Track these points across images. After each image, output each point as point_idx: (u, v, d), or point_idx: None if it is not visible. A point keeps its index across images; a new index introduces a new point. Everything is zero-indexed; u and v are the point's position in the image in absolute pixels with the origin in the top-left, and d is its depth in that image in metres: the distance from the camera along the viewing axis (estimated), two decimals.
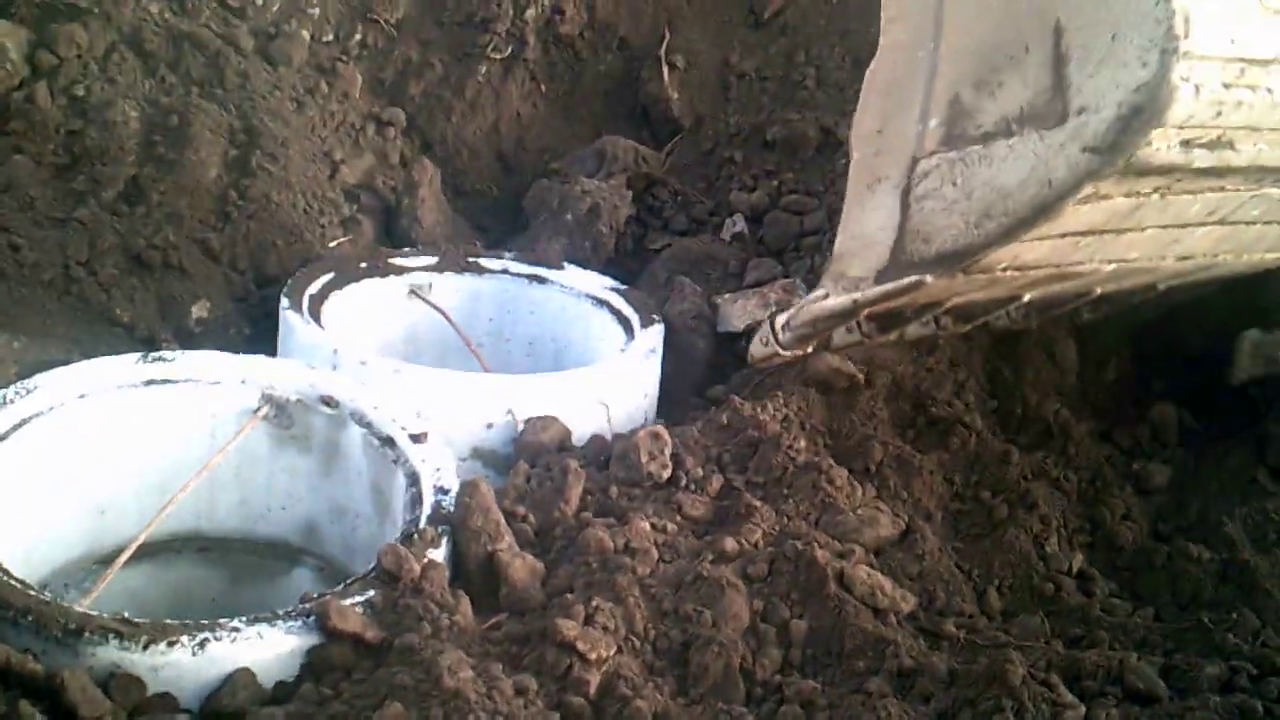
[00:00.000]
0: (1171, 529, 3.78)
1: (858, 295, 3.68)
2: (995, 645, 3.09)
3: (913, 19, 3.51)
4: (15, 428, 3.43)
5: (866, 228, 3.69)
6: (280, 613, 2.93)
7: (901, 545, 3.51)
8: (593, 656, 2.83)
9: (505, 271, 4.96)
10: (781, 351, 3.98)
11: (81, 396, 3.60)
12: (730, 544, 3.30)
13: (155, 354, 3.80)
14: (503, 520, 3.31)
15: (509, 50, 5.89)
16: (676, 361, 4.53)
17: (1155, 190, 3.34)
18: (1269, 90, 3.19)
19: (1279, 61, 3.19)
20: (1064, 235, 3.41)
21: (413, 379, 3.97)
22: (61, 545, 3.65)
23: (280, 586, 3.93)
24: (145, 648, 2.75)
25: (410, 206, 5.34)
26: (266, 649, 2.84)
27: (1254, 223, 3.66)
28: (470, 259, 4.99)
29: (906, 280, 3.58)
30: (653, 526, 3.37)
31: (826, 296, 3.77)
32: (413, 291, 4.82)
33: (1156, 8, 2.97)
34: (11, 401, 3.47)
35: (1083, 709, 2.86)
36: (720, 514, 3.53)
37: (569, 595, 3.07)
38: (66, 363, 3.70)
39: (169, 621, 2.84)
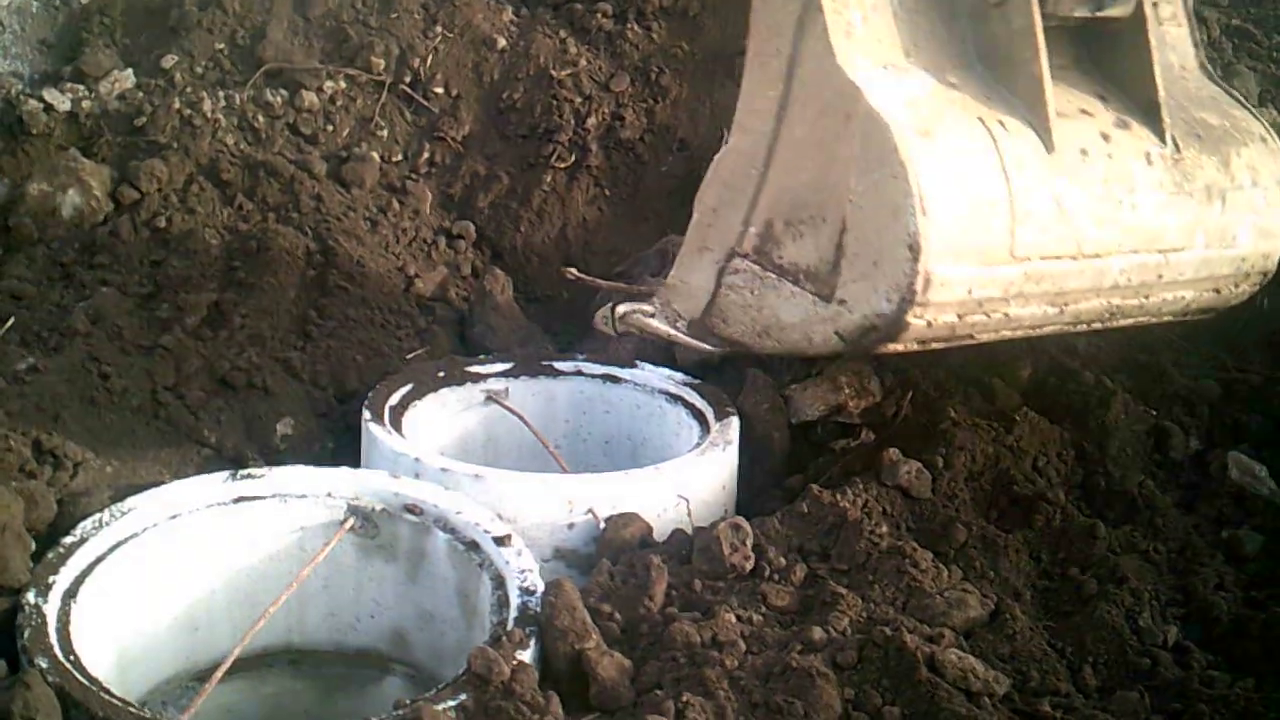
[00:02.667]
0: (1266, 595, 3.70)
1: (675, 331, 4.21)
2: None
3: (753, 134, 3.82)
4: (112, 549, 3.53)
5: (691, 280, 4.14)
6: (374, 719, 2.96)
7: (991, 626, 3.47)
8: None
9: (579, 373, 5.03)
10: (613, 334, 4.55)
11: (173, 516, 3.70)
12: (818, 633, 3.29)
13: (243, 471, 3.89)
14: (589, 619, 3.32)
15: (572, 158, 6.03)
16: (753, 453, 4.54)
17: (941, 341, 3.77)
18: (1005, 315, 3.74)
19: (1019, 295, 3.71)
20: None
21: (493, 483, 4.02)
22: (157, 663, 3.71)
23: (371, 696, 3.96)
24: None
25: (483, 315, 5.44)
26: None
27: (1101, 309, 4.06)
28: (544, 362, 5.06)
29: (712, 349, 4.16)
30: (738, 618, 3.37)
31: (653, 315, 4.28)
32: (490, 397, 4.89)
33: (905, 264, 3.40)
34: (107, 524, 3.57)
35: None
36: (806, 603, 3.52)
37: (659, 691, 3.08)
38: (158, 484, 3.81)
39: None
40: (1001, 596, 3.59)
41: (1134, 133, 3.95)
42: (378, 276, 5.32)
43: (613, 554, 3.81)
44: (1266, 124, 4.33)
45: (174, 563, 3.71)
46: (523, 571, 3.53)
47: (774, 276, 3.80)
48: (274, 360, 4.84)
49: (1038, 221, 3.62)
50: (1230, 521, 4.03)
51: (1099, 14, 3.85)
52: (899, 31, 3.71)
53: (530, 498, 4.00)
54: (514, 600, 3.42)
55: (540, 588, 3.43)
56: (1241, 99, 4.43)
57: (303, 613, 3.93)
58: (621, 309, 4.39)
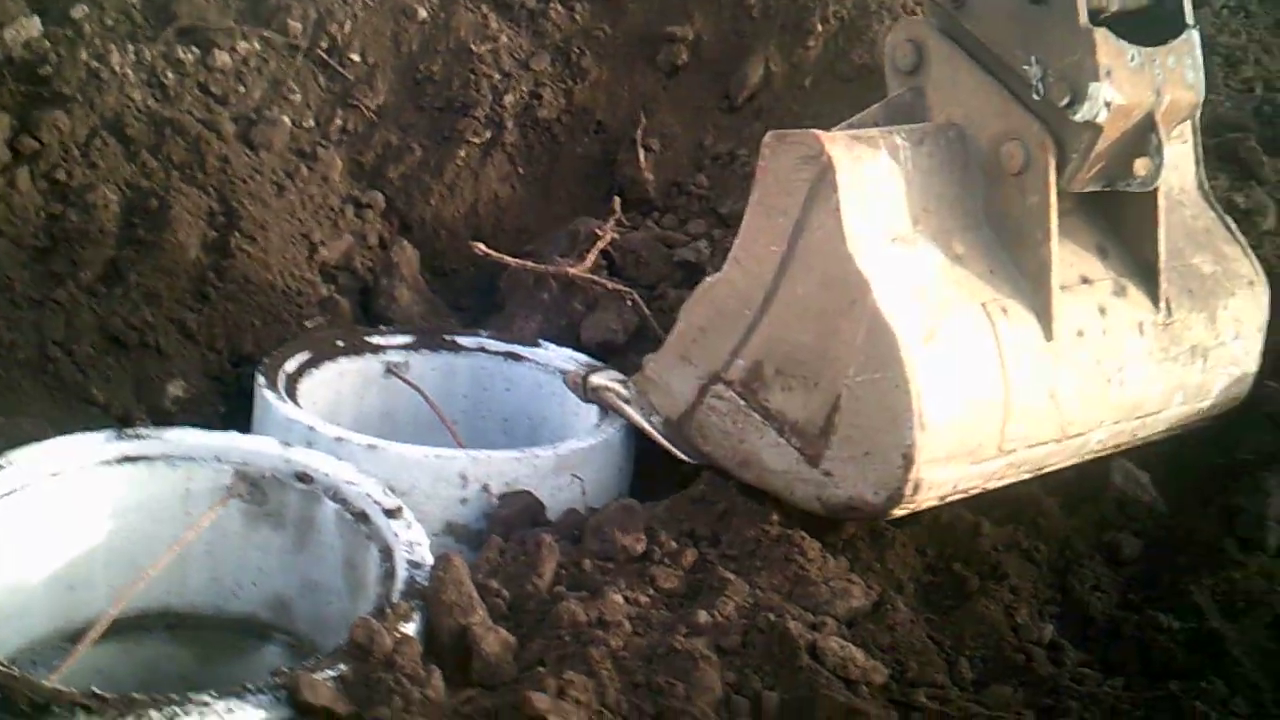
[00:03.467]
0: (1141, 598, 3.79)
1: (650, 427, 4.07)
2: (966, 716, 3.08)
3: (751, 276, 3.71)
4: None
5: (671, 383, 4.00)
6: (250, 686, 2.91)
7: (874, 616, 3.51)
8: None
9: (481, 349, 5.01)
10: (581, 399, 4.37)
11: (54, 474, 3.61)
12: (703, 616, 3.31)
13: (130, 430, 3.82)
14: (476, 594, 3.30)
15: (488, 134, 5.99)
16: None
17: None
18: (982, 489, 3.74)
19: (1000, 479, 3.74)
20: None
21: (387, 455, 3.99)
22: (30, 621, 3.63)
23: (250, 663, 3.91)
24: None
25: (388, 286, 5.39)
26: None
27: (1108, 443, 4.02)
28: (446, 336, 5.03)
29: (688, 459, 3.99)
30: (625, 599, 3.37)
31: (628, 401, 4.14)
32: (389, 369, 4.85)
33: (897, 470, 3.40)
34: None
35: None
36: (694, 586, 3.53)
37: (541, 668, 3.07)
38: (41, 440, 3.72)
39: (137, 695, 2.82)
40: (885, 588, 3.63)
41: (1130, 300, 3.88)
42: (281, 241, 5.24)
43: (503, 531, 3.80)
44: (1254, 261, 4.27)
45: (53, 520, 3.63)
46: (411, 545, 3.50)
47: (759, 418, 3.72)
48: (169, 320, 4.76)
49: (1029, 415, 3.60)
50: (1112, 525, 4.11)
51: (1118, 189, 3.74)
52: (911, 196, 3.61)
53: (424, 471, 3.98)
54: (401, 573, 3.39)
55: (429, 562, 3.41)
56: (1234, 230, 4.31)
57: (184, 576, 3.86)
58: (595, 380, 4.27)
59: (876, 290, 3.40)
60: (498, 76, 6.04)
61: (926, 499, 3.54)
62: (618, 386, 4.20)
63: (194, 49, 5.75)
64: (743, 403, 3.73)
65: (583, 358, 4.92)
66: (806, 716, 3.03)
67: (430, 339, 5.00)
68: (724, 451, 3.85)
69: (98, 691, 2.81)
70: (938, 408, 3.38)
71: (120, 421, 4.34)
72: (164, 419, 4.45)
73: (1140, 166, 3.62)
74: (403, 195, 5.88)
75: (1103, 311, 3.78)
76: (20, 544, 3.55)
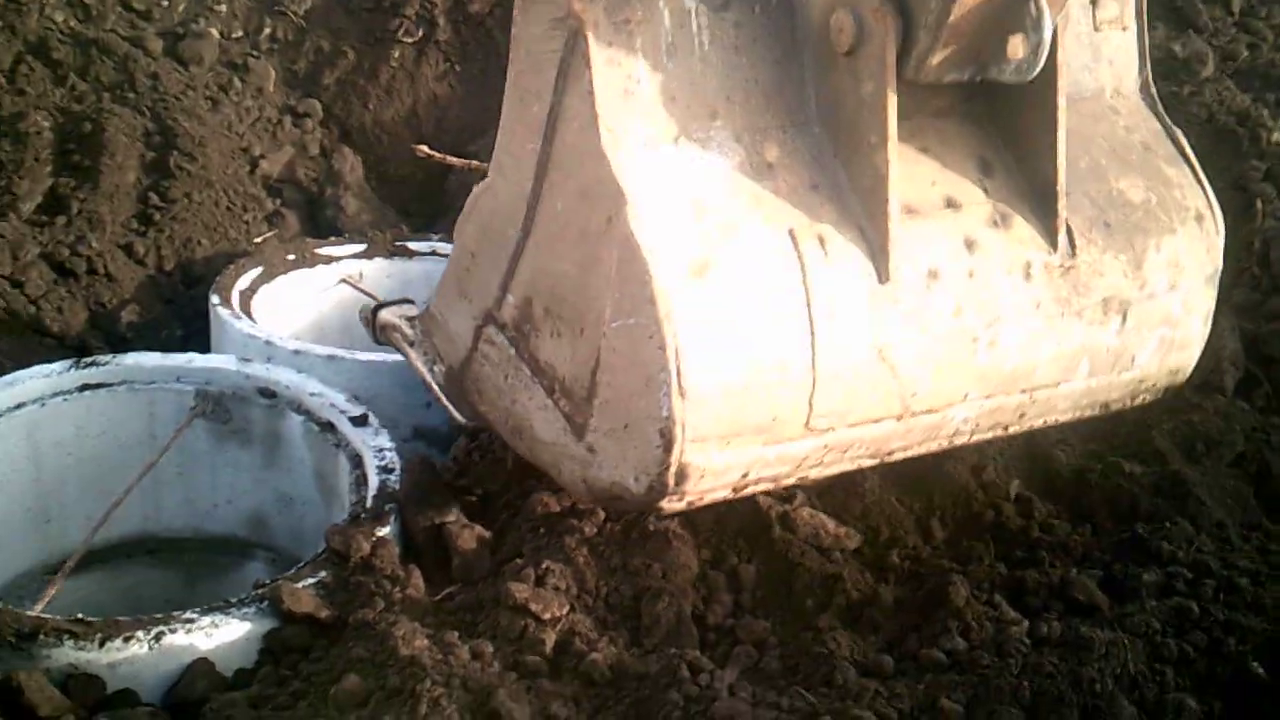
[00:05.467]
0: (1105, 447, 3.85)
1: (431, 377, 3.29)
2: (940, 571, 3.15)
3: (512, 185, 2.86)
4: None
5: (450, 322, 3.20)
6: (234, 600, 2.95)
7: (843, 487, 3.56)
8: (546, 616, 2.86)
9: (434, 253, 4.98)
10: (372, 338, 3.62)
11: (17, 407, 3.59)
12: None
13: (88, 359, 3.79)
14: (449, 494, 3.33)
15: (420, 33, 5.90)
16: None
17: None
18: (803, 478, 2.91)
19: (819, 464, 2.86)
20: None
21: (349, 364, 3.99)
22: (9, 556, 3.65)
23: (234, 581, 3.94)
24: (101, 645, 2.76)
25: (333, 196, 5.34)
26: (223, 637, 2.86)
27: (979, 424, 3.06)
28: (398, 243, 5.00)
29: (464, 420, 3.24)
30: None
31: (413, 344, 3.38)
32: (343, 280, 4.82)
33: (655, 450, 2.57)
34: None
35: (1026, 624, 2.94)
36: None
37: (519, 560, 3.10)
38: None
39: (122, 618, 2.85)
40: None
41: (1013, 233, 2.87)
42: (221, 157, 5.17)
43: (471, 431, 3.81)
44: (1207, 189, 3.21)
45: (20, 456, 3.62)
46: (381, 450, 3.51)
47: (529, 372, 2.87)
48: (115, 246, 4.70)
49: (847, 383, 2.68)
50: None
51: (990, 79, 2.73)
52: (707, 80, 2.66)
53: (388, 378, 3.98)
54: (373, 479, 3.41)
55: (399, 466, 3.43)
56: (1184, 148, 3.25)
57: (158, 501, 3.87)
58: (384, 317, 3.47)
59: (634, 205, 2.51)
60: None
61: (705, 489, 2.71)
62: (404, 326, 3.42)
63: None
64: (514, 352, 2.91)
65: None
66: (783, 585, 3.10)
67: (382, 246, 4.96)
68: (497, 414, 3.06)
69: (82, 617, 2.83)
70: (708, 368, 2.52)
71: (77, 351, 4.31)
72: (122, 346, 4.42)
73: (1015, 47, 2.62)
74: (340, 101, 5.80)
75: (970, 247, 2.81)
76: None
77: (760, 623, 2.99)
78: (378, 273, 4.92)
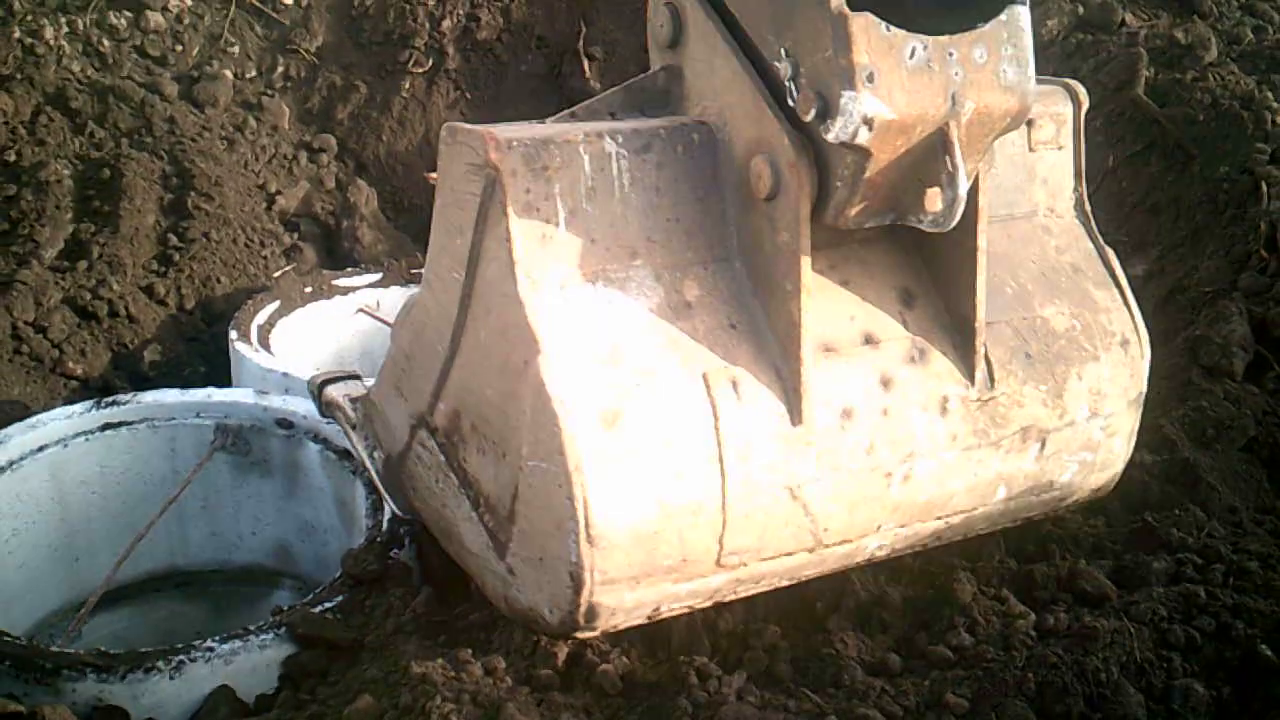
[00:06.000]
0: None
1: (371, 462, 3.30)
2: (947, 570, 3.16)
3: (440, 304, 2.84)
4: None
5: (389, 413, 3.19)
6: (253, 628, 3.01)
7: None
8: None
9: None
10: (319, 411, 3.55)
11: (40, 449, 3.68)
12: None
13: (108, 398, 3.87)
14: None
15: (430, 63, 5.98)
16: None
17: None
18: (718, 603, 2.89)
19: (733, 594, 2.86)
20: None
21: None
22: (40, 596, 3.72)
23: (261, 611, 3.97)
24: (123, 677, 2.83)
25: (349, 228, 5.43)
26: (242, 664, 2.93)
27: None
28: (414, 271, 5.07)
29: (400, 512, 3.25)
30: None
31: (354, 426, 3.37)
32: (361, 309, 4.90)
33: (566, 589, 2.60)
34: None
35: (1033, 617, 2.95)
36: None
37: None
38: (21, 419, 3.78)
39: (144, 650, 2.92)
40: None
41: (930, 368, 2.86)
42: (238, 196, 5.27)
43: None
44: (1135, 312, 3.20)
45: (46, 496, 3.71)
46: None
47: (457, 481, 2.88)
48: (136, 288, 4.80)
49: (758, 522, 2.69)
50: None
51: (909, 224, 2.71)
52: (628, 221, 2.65)
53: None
54: (388, 504, 3.46)
55: None
56: (1114, 269, 3.23)
57: (184, 535, 3.94)
58: (330, 394, 3.47)
59: (546, 353, 2.51)
60: (432, 3, 6.01)
61: (618, 623, 2.72)
62: (348, 408, 3.41)
63: (126, 13, 5.75)
64: (443, 458, 2.92)
65: None
66: (795, 590, 3.12)
67: (398, 275, 5.04)
68: (430, 512, 3.08)
69: (105, 650, 2.90)
70: (616, 516, 2.53)
71: (101, 393, 4.39)
72: (145, 385, 4.50)
73: (932, 200, 2.59)
74: (353, 135, 5.89)
75: (886, 384, 2.81)
76: (18, 522, 3.63)
77: (771, 628, 3.01)
78: (395, 301, 4.98)
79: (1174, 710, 2.74)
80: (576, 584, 2.55)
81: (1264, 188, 4.41)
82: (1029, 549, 3.37)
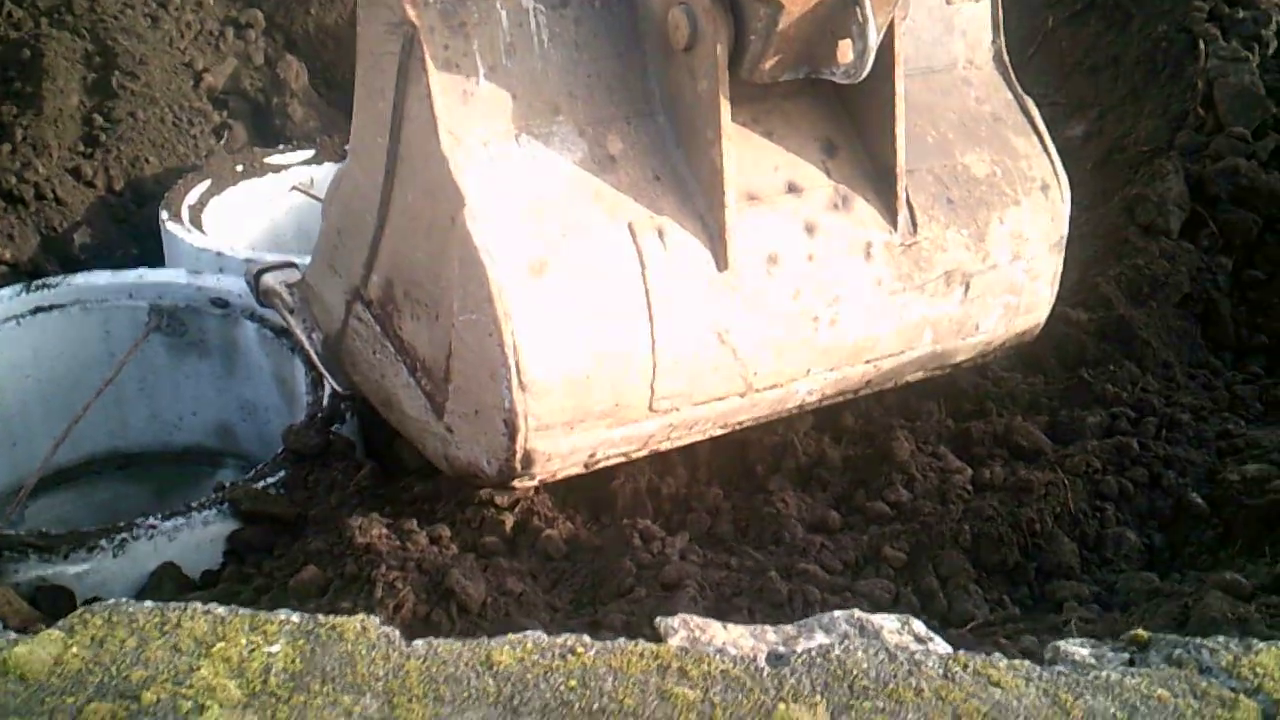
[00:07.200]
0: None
1: (310, 344, 3.39)
2: (886, 429, 3.20)
3: (367, 173, 2.87)
4: None
5: (325, 292, 3.24)
6: (196, 505, 3.00)
7: None
8: (504, 502, 2.92)
9: None
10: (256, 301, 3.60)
11: None
12: None
13: (38, 281, 3.81)
14: None
15: None
16: None
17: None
18: (653, 449, 2.97)
19: (666, 440, 2.94)
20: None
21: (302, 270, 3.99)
22: None
23: (205, 491, 3.92)
24: (66, 556, 2.82)
25: (280, 104, 5.31)
26: (187, 541, 2.92)
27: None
28: (347, 148, 4.96)
29: (342, 389, 3.32)
30: None
31: (292, 310, 3.44)
32: (295, 187, 4.81)
33: (501, 437, 2.66)
34: None
35: (969, 471, 3.01)
36: None
37: None
38: None
39: (86, 529, 2.90)
40: None
41: (854, 215, 2.92)
42: (164, 74, 5.13)
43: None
44: (1055, 158, 3.26)
45: None
46: None
47: (393, 350, 2.94)
48: (63, 170, 4.68)
49: (689, 367, 2.75)
50: None
51: (822, 76, 2.76)
52: (548, 77, 2.68)
53: None
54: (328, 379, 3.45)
55: None
56: (1033, 117, 3.29)
57: (123, 417, 3.91)
58: (266, 282, 3.48)
59: (472, 207, 2.56)
60: None
61: (555, 470, 2.82)
62: (285, 293, 3.45)
63: None
64: (379, 329, 2.98)
65: None
66: (738, 454, 3.14)
67: (331, 152, 4.94)
68: (369, 387, 3.16)
69: (46, 530, 2.89)
70: (548, 363, 2.60)
71: (30, 277, 4.31)
72: (76, 269, 4.41)
73: (844, 51, 2.63)
74: (281, 9, 5.72)
75: (810, 230, 2.86)
76: None
77: (713, 490, 3.05)
78: (328, 178, 4.89)
79: (1107, 558, 2.81)
80: (511, 430, 2.62)
81: (1202, 45, 4.40)
82: (966, 407, 3.41)
